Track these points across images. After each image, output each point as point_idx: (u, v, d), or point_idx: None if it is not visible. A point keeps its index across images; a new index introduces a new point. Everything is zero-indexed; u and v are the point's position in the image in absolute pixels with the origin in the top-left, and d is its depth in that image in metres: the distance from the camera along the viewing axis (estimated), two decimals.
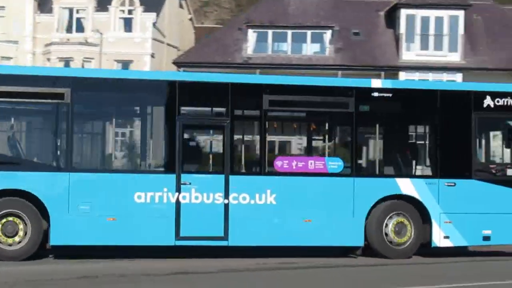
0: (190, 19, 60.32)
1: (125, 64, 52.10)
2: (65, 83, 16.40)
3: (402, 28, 46.63)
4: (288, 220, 16.93)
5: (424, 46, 46.59)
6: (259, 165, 17.05)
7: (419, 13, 46.53)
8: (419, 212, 17.58)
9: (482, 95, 18.03)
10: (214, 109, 17.48)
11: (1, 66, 17.64)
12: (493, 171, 18.23)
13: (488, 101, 17.99)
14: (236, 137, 17.13)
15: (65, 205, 16.07)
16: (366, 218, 17.37)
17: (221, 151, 17.04)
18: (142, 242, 16.56)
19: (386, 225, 17.45)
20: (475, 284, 13.69)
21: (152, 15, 53.37)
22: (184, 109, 16.94)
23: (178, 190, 16.52)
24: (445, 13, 46.54)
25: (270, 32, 47.30)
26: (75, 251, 16.72)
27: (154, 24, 53.47)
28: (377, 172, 17.97)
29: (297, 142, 19.09)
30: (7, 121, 17.27)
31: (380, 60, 46.59)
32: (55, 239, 16.15)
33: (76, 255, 16.57)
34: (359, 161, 17.89)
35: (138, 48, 52.54)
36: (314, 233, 17.05)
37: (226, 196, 16.65)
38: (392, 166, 18.11)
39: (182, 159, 16.65)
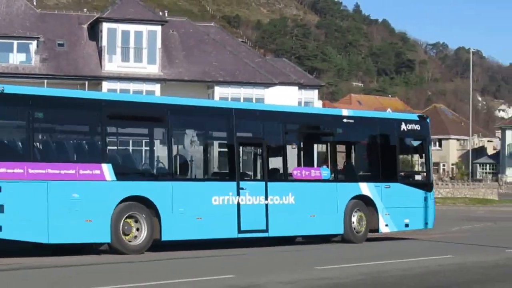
0: None
1: None
2: (164, 109, 20.19)
3: (104, 41, 49.32)
4: (302, 215, 21.98)
5: (125, 58, 49.58)
6: (284, 173, 21.97)
7: (120, 27, 49.50)
8: (368, 208, 23.36)
9: (400, 122, 24.55)
10: (255, 134, 22.42)
11: (131, 95, 20.60)
12: (408, 177, 25.05)
13: (403, 126, 24.46)
14: (270, 153, 22.00)
15: (170, 208, 19.54)
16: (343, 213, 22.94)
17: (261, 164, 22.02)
18: (216, 236, 20.65)
19: (353, 217, 23.12)
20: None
21: None
22: (240, 133, 21.48)
23: (238, 194, 20.77)
24: (144, 28, 49.89)
25: None
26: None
27: None
28: (349, 178, 23.49)
29: (303, 156, 24.18)
30: (127, 141, 21.19)
31: (83, 70, 48.98)
32: (165, 235, 19.51)
33: None
34: (338, 171, 23.34)
35: None
36: (317, 224, 22.40)
37: (266, 198, 21.27)
38: (356, 173, 23.99)
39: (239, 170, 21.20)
